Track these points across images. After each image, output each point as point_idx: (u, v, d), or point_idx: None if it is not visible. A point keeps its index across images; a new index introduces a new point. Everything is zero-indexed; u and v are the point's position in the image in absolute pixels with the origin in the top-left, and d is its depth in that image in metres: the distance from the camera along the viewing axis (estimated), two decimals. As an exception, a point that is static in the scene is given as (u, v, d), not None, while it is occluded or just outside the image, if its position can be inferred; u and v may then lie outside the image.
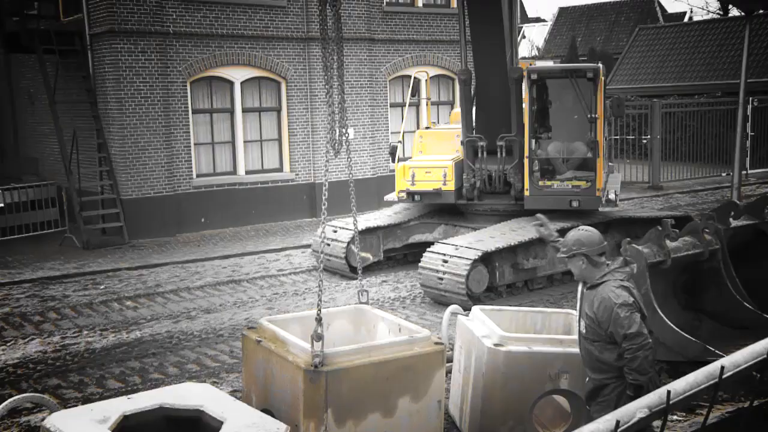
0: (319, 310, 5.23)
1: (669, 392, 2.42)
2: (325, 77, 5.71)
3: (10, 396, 6.61)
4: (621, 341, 4.76)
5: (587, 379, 5.14)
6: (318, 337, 5.02)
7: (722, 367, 2.52)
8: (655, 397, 2.42)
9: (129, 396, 4.77)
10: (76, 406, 6.68)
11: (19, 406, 6.47)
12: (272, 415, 5.15)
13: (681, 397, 2.48)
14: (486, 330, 5.84)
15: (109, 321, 10.43)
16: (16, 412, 7.05)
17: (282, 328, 5.73)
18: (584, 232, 5.11)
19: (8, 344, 9.52)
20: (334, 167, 18.57)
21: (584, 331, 5.05)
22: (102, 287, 12.33)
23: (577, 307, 5.24)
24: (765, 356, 2.65)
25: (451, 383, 6.52)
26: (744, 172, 21.63)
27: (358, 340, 6.08)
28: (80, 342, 9.53)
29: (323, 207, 5.63)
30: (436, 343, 5.56)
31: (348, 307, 6.59)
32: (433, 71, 19.81)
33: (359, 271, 6.56)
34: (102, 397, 7.44)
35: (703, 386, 2.53)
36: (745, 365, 2.64)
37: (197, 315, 10.62)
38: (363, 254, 12.46)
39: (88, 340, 9.62)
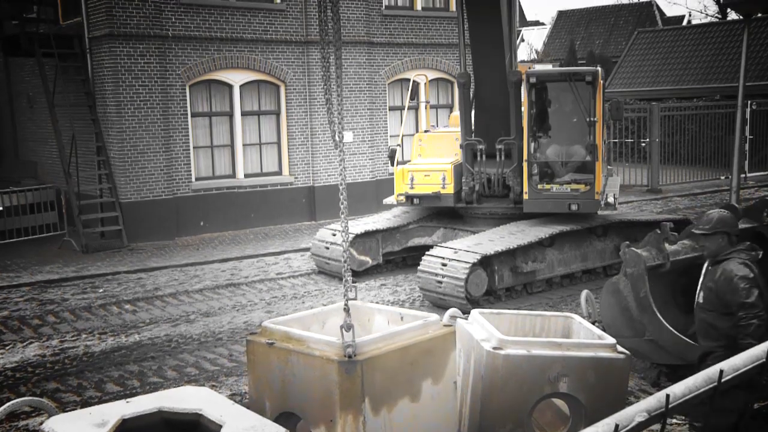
0: (347, 299, 5.23)
1: (668, 396, 2.42)
2: (324, 77, 5.65)
3: (9, 400, 6.60)
4: (738, 310, 5.33)
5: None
6: (348, 327, 5.02)
7: (721, 371, 2.52)
8: (654, 401, 2.42)
9: (128, 400, 4.75)
10: (74, 409, 6.67)
11: (17, 410, 6.45)
12: (295, 418, 5.18)
13: (680, 400, 2.48)
14: (485, 333, 5.83)
15: (108, 324, 10.43)
16: (14, 416, 7.05)
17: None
18: (726, 214, 5.70)
19: (7, 348, 9.51)
20: (331, 170, 18.60)
21: (702, 301, 5.67)
22: (101, 291, 12.32)
23: (700, 282, 5.80)
24: (764, 360, 2.65)
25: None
26: (743, 175, 21.64)
27: (356, 335, 6.06)
28: (79, 345, 9.52)
29: (342, 206, 5.46)
30: (445, 326, 5.64)
31: (338, 305, 6.50)
32: (432, 74, 19.83)
33: (345, 266, 6.38)
34: (101, 401, 7.44)
35: (702, 390, 2.53)
36: (744, 369, 2.64)
37: (196, 318, 10.62)
38: (361, 257, 12.47)
39: (87, 343, 9.61)
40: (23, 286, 12.67)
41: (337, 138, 5.62)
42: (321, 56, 5.55)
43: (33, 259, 14.66)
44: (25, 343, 9.67)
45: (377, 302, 11.13)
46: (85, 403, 7.51)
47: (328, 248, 12.44)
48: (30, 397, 6.19)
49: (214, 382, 8.14)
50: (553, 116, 12.51)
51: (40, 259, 14.71)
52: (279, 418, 5.28)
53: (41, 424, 4.56)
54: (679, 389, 2.50)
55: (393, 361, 5.20)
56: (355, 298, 6.36)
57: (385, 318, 6.14)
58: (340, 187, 5.47)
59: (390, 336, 5.35)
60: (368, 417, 5.02)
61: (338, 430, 5.00)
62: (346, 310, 5.17)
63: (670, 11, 50.21)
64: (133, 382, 8.24)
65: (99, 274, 13.34)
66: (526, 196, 11.90)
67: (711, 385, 2.53)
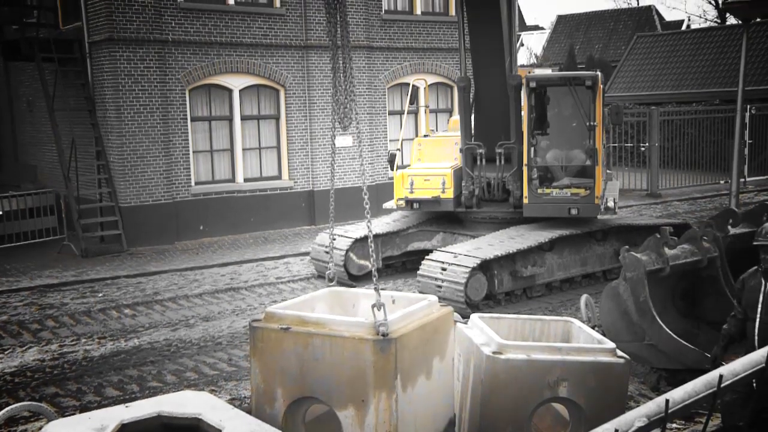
0: (376, 278, 5.39)
1: (667, 401, 2.42)
2: (331, 50, 5.75)
3: (8, 404, 6.59)
4: None
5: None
6: (380, 306, 5.11)
7: (721, 376, 2.52)
8: (653, 406, 2.42)
9: (127, 404, 4.75)
10: (73, 414, 6.66)
11: (16, 415, 6.46)
12: (307, 403, 5.27)
13: (680, 406, 2.48)
14: (485, 338, 5.83)
15: (108, 329, 10.42)
16: (13, 420, 7.03)
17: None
18: None
19: (6, 352, 9.50)
20: (336, 173, 18.58)
21: None
22: (100, 295, 12.32)
23: (761, 299, 5.67)
24: (763, 365, 2.65)
25: (449, 391, 6.51)
26: (742, 179, 21.66)
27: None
28: (78, 350, 9.52)
29: (331, 207, 5.63)
30: (443, 306, 5.88)
31: (320, 292, 6.44)
32: (432, 79, 19.85)
33: (370, 247, 6.36)
34: (100, 406, 7.43)
35: (701, 395, 2.53)
36: (744, 374, 2.63)
37: (195, 323, 10.61)
38: (361, 262, 12.46)
39: (86, 348, 9.60)
40: (23, 291, 12.65)
41: (333, 144, 5.67)
42: (332, 59, 5.65)
43: (32, 264, 14.65)
44: (24, 348, 9.66)
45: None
46: (85, 408, 7.51)
47: (327, 252, 12.43)
48: (29, 402, 6.18)
49: (213, 386, 8.13)
50: (552, 121, 12.53)
51: (39, 263, 14.70)
52: (292, 405, 5.28)
53: (40, 429, 4.56)
54: (678, 394, 2.50)
55: (415, 339, 5.31)
56: (333, 284, 6.43)
57: (373, 302, 6.18)
58: (330, 199, 5.57)
59: (408, 315, 5.45)
60: (399, 394, 5.07)
61: (371, 409, 5.04)
62: (376, 289, 5.26)
63: (669, 16, 50.40)
64: (132, 387, 8.23)
65: (98, 279, 13.33)
66: (525, 201, 11.90)
67: (710, 390, 2.52)
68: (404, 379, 5.15)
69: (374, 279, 5.41)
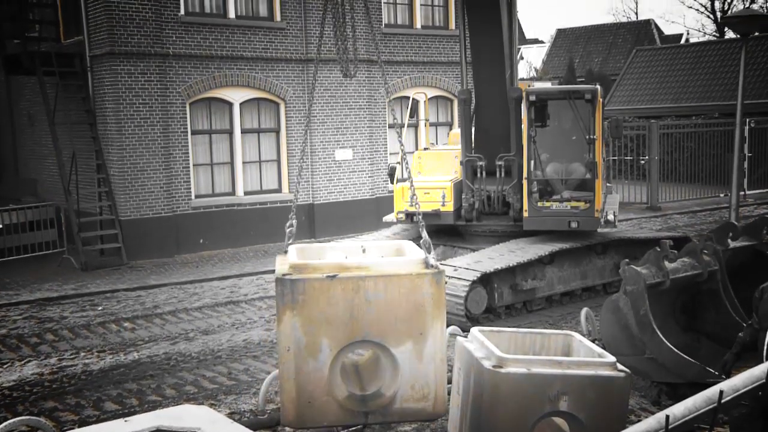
0: (421, 215, 6.12)
1: (668, 417, 2.42)
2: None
3: (6, 419, 6.58)
4: None
5: None
6: (427, 244, 5.63)
7: (721, 392, 2.52)
8: (654, 422, 2.41)
9: (126, 418, 4.73)
10: (72, 428, 6.64)
11: (14, 430, 6.43)
12: (358, 347, 5.60)
13: (680, 421, 2.47)
14: (485, 351, 5.81)
15: (107, 342, 10.40)
16: (12, 435, 7.00)
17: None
18: None
19: (5, 366, 9.47)
20: (331, 188, 18.62)
21: None
22: (100, 308, 12.30)
23: None
24: (764, 380, 2.64)
25: (450, 405, 6.49)
26: (742, 192, 21.66)
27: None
28: (77, 364, 9.49)
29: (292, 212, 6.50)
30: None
31: (289, 252, 6.45)
32: (432, 92, 19.90)
33: (411, 188, 6.89)
34: (99, 420, 7.41)
35: (702, 410, 2.52)
36: (744, 389, 2.63)
37: (195, 336, 10.59)
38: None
39: (86, 362, 9.58)
40: (22, 304, 12.64)
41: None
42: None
43: (32, 277, 14.64)
44: (23, 362, 9.64)
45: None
46: (83, 422, 7.48)
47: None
48: (27, 416, 6.16)
49: (213, 400, 8.11)
50: (552, 134, 12.54)
51: (39, 276, 14.69)
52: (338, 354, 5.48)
53: (39, 443, 4.54)
54: (678, 410, 2.49)
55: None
56: (291, 243, 6.56)
57: (342, 253, 6.41)
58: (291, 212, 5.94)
59: (420, 252, 5.89)
60: (446, 324, 5.50)
61: (429, 340, 5.41)
62: (422, 227, 5.88)
63: (668, 29, 50.58)
64: (131, 401, 8.20)
65: (98, 292, 13.32)
66: (525, 214, 11.89)
67: (711, 406, 2.52)
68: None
69: (420, 217, 6.02)
